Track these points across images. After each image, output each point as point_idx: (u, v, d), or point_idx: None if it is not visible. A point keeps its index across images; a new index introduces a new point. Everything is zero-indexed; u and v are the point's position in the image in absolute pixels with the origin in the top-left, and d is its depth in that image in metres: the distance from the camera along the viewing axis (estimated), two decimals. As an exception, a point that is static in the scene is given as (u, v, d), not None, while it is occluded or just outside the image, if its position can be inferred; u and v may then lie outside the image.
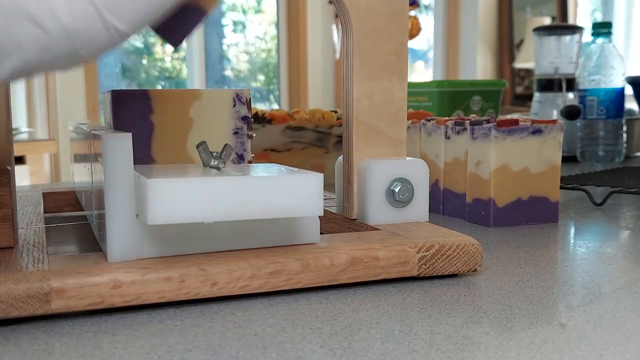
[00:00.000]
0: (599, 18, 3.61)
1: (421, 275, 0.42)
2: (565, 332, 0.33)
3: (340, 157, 0.51)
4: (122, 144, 0.37)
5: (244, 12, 3.16)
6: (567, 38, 1.22)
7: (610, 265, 0.47)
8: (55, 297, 0.34)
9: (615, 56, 1.13)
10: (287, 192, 0.38)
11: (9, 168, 0.41)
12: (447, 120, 0.65)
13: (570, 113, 1.13)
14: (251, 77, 3.20)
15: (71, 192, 0.66)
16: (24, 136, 2.24)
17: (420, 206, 0.49)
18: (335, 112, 0.88)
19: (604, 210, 0.69)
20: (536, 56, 1.25)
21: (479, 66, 3.24)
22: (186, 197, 0.36)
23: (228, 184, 0.37)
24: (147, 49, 2.93)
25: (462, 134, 0.62)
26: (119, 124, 0.47)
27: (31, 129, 2.39)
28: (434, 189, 0.67)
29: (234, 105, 0.50)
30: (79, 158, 0.57)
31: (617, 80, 1.13)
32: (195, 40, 2.84)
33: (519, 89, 3.26)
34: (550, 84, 1.21)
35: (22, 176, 1.96)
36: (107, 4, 0.28)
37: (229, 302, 0.38)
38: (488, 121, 0.59)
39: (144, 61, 2.94)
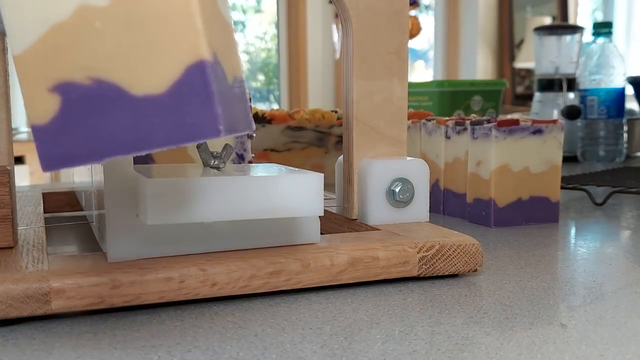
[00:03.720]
0: (600, 18, 3.61)
1: (421, 276, 0.42)
2: (566, 332, 0.33)
3: (341, 157, 0.51)
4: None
5: (244, 11, 3.16)
6: (568, 38, 1.22)
7: (611, 266, 0.46)
8: (54, 297, 0.34)
9: (615, 56, 1.13)
10: (287, 192, 0.38)
11: (8, 168, 0.41)
12: (448, 120, 0.65)
13: (571, 113, 1.13)
14: (251, 77, 3.20)
15: (71, 192, 0.66)
16: (24, 136, 2.24)
17: (420, 206, 0.49)
18: (336, 112, 0.88)
19: (605, 210, 0.69)
20: (537, 56, 1.25)
21: (479, 66, 3.24)
22: (186, 197, 0.36)
23: (228, 184, 0.37)
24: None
25: (462, 133, 0.62)
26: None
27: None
28: (435, 189, 0.67)
29: (234, 105, 0.50)
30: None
31: (617, 80, 1.13)
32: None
33: (520, 89, 3.26)
34: (550, 84, 1.21)
35: (22, 176, 1.97)
36: None
37: (228, 303, 0.38)
38: (488, 121, 0.59)
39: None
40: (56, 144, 0.26)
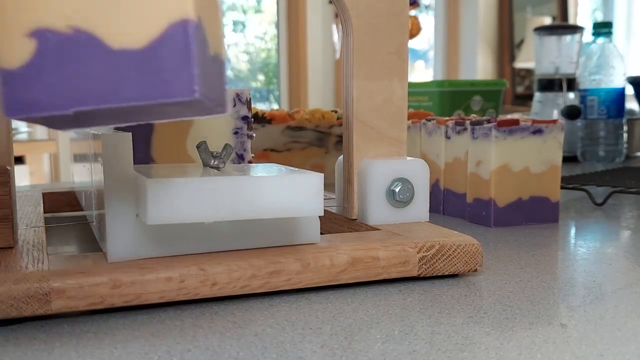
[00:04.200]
0: (600, 18, 3.61)
1: (421, 276, 0.42)
2: (566, 332, 0.33)
3: (341, 157, 0.51)
4: (122, 143, 0.37)
5: (244, 11, 3.16)
6: (568, 38, 1.22)
7: (611, 266, 0.46)
8: (55, 297, 0.34)
9: (615, 56, 1.13)
10: (287, 192, 0.38)
11: (8, 168, 0.41)
12: (448, 120, 0.65)
13: (571, 113, 1.13)
14: (251, 77, 3.20)
15: (71, 192, 0.66)
16: (24, 136, 2.24)
17: (420, 206, 0.49)
18: (336, 111, 0.88)
19: (605, 210, 0.69)
20: (537, 56, 1.25)
21: (480, 66, 3.24)
22: (186, 197, 0.36)
23: (228, 184, 0.37)
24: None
25: (462, 133, 0.62)
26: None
27: (30, 129, 2.39)
28: (435, 189, 0.67)
29: (234, 105, 0.50)
30: (79, 158, 0.57)
31: (617, 80, 1.13)
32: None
33: (520, 89, 3.26)
34: (550, 84, 1.21)
35: (22, 176, 1.96)
36: None
37: (229, 302, 0.38)
38: (488, 121, 0.59)
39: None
40: (25, 89, 0.25)
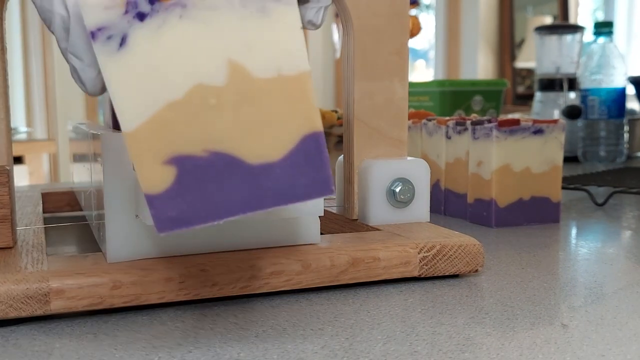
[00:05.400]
0: (601, 17, 3.61)
1: (422, 276, 0.42)
2: (567, 332, 0.33)
3: (341, 157, 0.51)
4: (122, 143, 0.37)
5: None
6: (569, 37, 1.22)
7: (612, 266, 0.46)
8: (54, 297, 0.34)
9: (616, 56, 1.13)
10: (287, 192, 0.38)
11: (7, 168, 0.41)
12: (448, 120, 0.65)
13: (572, 113, 1.13)
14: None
15: (70, 192, 0.66)
16: (23, 136, 2.25)
17: (421, 206, 0.49)
18: (336, 111, 0.88)
19: (606, 210, 0.69)
20: (537, 56, 1.25)
21: (480, 66, 3.24)
22: (186, 198, 0.35)
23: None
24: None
25: (463, 134, 0.62)
26: (118, 124, 0.47)
27: (30, 128, 2.39)
28: (435, 189, 0.66)
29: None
30: (78, 158, 0.57)
31: (618, 79, 1.13)
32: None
33: (520, 89, 3.26)
34: (551, 84, 1.21)
35: (21, 176, 1.97)
36: None
37: (229, 303, 0.38)
38: (489, 121, 0.59)
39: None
40: (171, 208, 0.27)
